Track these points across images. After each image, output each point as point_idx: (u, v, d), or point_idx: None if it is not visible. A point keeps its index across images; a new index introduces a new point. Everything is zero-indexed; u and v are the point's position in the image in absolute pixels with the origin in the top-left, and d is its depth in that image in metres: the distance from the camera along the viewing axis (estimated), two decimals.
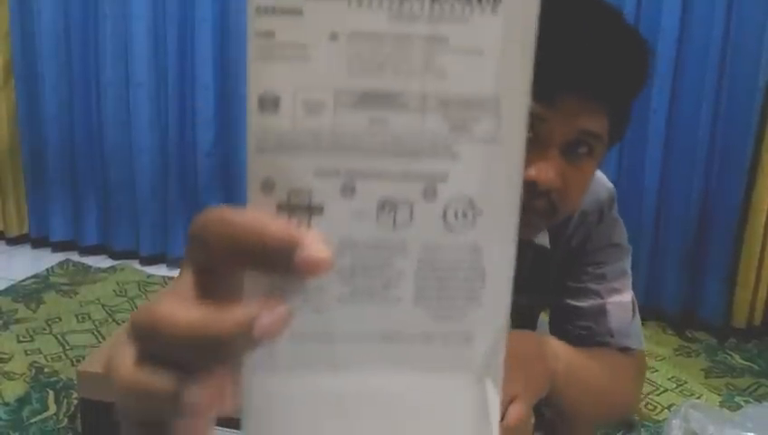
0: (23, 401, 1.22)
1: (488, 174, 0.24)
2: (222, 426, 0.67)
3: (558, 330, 0.84)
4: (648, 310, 1.77)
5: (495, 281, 0.25)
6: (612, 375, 0.77)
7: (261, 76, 0.23)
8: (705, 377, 1.49)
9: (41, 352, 1.42)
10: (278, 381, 0.25)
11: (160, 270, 2.01)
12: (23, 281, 1.84)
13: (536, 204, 0.64)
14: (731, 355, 1.61)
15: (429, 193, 0.24)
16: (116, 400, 0.23)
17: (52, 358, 1.40)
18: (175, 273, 1.97)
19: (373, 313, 0.25)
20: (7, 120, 2.10)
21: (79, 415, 0.66)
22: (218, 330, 0.22)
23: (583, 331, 0.80)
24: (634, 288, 0.95)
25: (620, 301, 0.81)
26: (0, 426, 1.14)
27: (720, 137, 1.65)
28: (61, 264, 1.99)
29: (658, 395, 1.39)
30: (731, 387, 1.44)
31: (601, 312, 0.80)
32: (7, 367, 1.34)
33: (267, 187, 0.23)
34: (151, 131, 1.98)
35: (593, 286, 0.81)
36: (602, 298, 0.80)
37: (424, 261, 0.25)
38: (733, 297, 1.71)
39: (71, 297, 1.73)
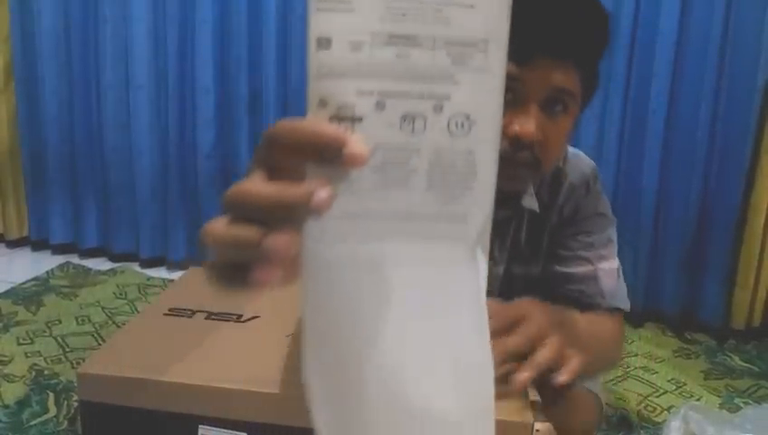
0: (23, 403, 1.22)
1: (480, 95, 0.34)
2: (221, 427, 0.67)
3: (552, 295, 0.90)
4: (648, 311, 1.77)
5: (484, 175, 0.35)
6: (609, 338, 0.89)
7: (318, 23, 0.32)
8: (705, 379, 1.49)
9: (41, 355, 1.42)
10: (326, 248, 0.34)
11: (160, 272, 2.01)
12: (23, 283, 1.84)
13: (520, 156, 0.72)
14: (730, 357, 1.61)
15: (437, 109, 0.33)
16: (209, 255, 0.33)
17: (52, 360, 1.40)
18: (175, 275, 1.97)
19: (396, 198, 0.34)
20: (7, 123, 2.10)
21: (79, 417, 0.66)
22: (288, 197, 0.30)
23: (576, 293, 0.88)
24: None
25: (608, 267, 0.90)
26: (0, 428, 1.14)
27: (719, 138, 1.65)
28: (61, 266, 1.99)
29: (658, 397, 1.39)
30: (730, 389, 1.44)
31: (592, 277, 0.89)
32: (7, 369, 1.34)
33: (322, 104, 0.32)
34: (151, 133, 1.98)
35: (584, 254, 0.90)
36: (592, 264, 0.89)
37: (433, 159, 0.34)
38: (732, 298, 1.71)
39: (71, 300, 1.74)
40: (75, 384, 1.05)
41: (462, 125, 0.34)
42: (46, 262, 2.03)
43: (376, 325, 0.35)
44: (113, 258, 2.08)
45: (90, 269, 1.99)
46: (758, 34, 1.55)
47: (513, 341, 0.60)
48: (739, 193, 1.65)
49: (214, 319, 0.78)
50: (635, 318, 1.76)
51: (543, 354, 0.61)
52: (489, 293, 0.38)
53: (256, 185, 0.31)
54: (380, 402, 0.36)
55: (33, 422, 1.16)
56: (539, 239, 0.92)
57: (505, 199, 0.84)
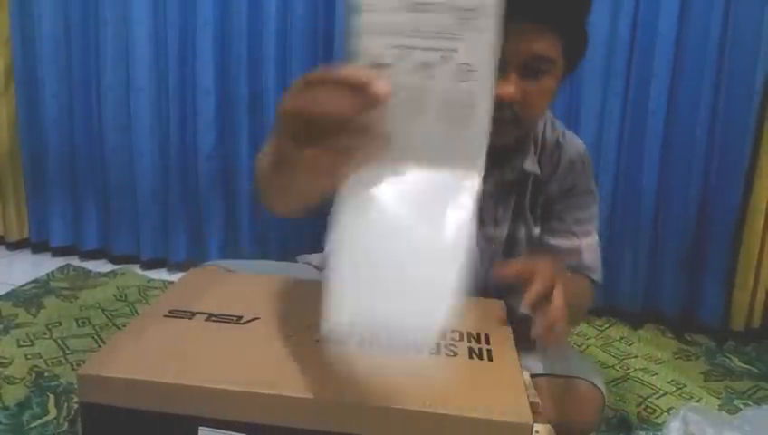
0: (23, 405, 1.22)
1: (478, 49, 0.45)
2: (221, 428, 0.67)
3: None
4: (647, 312, 1.77)
5: (481, 110, 0.47)
6: (585, 296, 1.03)
7: None
8: (705, 380, 1.49)
9: (41, 357, 1.42)
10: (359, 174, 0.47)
11: (161, 274, 2.01)
12: (23, 286, 1.84)
13: (502, 114, 0.81)
14: (730, 358, 1.61)
15: (446, 59, 0.45)
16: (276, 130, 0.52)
17: (52, 362, 1.40)
18: (176, 277, 1.97)
19: (414, 126, 0.46)
20: (7, 125, 2.10)
21: (79, 419, 0.66)
22: (358, 77, 0.42)
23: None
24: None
25: (591, 242, 1.02)
26: (0, 430, 1.14)
27: (718, 138, 1.65)
28: (61, 268, 1.99)
29: (657, 398, 1.39)
30: (730, 390, 1.44)
31: (577, 251, 1.01)
32: (7, 371, 1.34)
33: (358, 55, 0.44)
34: (152, 135, 1.98)
35: (574, 229, 1.01)
36: (578, 239, 1.01)
37: (443, 98, 0.45)
38: (731, 300, 1.71)
39: (71, 302, 1.74)
40: (75, 386, 1.05)
41: (465, 72, 0.44)
42: (46, 264, 2.03)
43: (392, 199, 0.48)
44: (114, 260, 2.08)
45: (90, 271, 2.00)
46: (757, 34, 1.55)
47: (537, 289, 0.72)
48: (738, 193, 1.66)
49: (214, 320, 0.78)
50: (634, 319, 1.76)
51: (558, 302, 0.73)
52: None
53: (332, 69, 0.43)
54: (381, 243, 0.49)
55: (33, 424, 1.16)
56: (538, 201, 1.01)
57: (501, 158, 0.97)
